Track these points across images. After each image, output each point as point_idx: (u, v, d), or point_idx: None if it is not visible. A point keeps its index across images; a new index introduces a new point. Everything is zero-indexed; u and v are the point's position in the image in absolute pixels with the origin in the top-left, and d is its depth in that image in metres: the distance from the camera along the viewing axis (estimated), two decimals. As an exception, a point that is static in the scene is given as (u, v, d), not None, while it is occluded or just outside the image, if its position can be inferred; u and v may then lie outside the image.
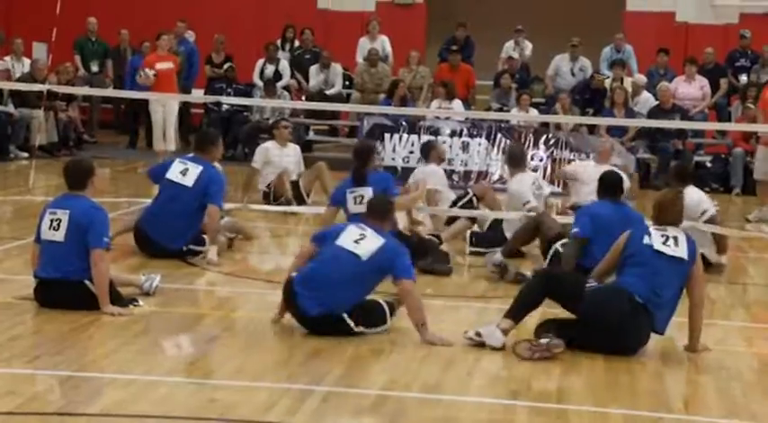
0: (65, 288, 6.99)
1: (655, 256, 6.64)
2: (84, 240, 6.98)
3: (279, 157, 12.32)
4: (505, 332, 6.62)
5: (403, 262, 6.79)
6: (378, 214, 7.08)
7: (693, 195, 9.64)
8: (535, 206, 9.62)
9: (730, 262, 9.72)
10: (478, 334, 6.64)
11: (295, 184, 12.09)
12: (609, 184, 8.52)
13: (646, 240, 6.71)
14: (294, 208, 11.54)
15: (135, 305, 7.19)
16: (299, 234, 10.67)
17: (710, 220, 9.56)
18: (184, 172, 8.94)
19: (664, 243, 6.67)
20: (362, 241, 6.82)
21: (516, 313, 6.71)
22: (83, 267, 6.99)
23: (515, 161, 10.13)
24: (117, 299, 7.13)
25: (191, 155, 9.29)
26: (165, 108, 15.60)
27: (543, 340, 6.47)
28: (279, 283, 8.18)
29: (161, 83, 15.63)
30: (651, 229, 6.81)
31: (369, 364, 6.19)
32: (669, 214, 6.85)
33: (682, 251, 6.68)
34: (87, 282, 7.00)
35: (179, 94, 15.93)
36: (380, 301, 6.94)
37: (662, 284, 6.61)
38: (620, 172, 9.56)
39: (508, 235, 9.66)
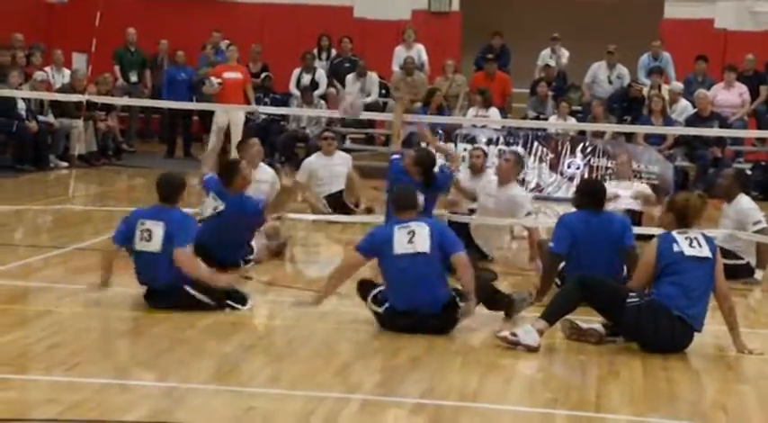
0: (167, 295, 7.34)
1: (687, 261, 6.78)
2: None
3: (325, 169, 11.96)
4: (540, 333, 6.66)
5: (450, 236, 7.16)
6: (408, 206, 7.28)
7: (748, 203, 9.58)
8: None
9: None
10: (514, 334, 6.67)
11: (338, 195, 11.86)
12: (586, 194, 8.24)
13: (675, 249, 6.81)
14: (334, 217, 11.39)
15: (242, 307, 7.45)
16: (337, 242, 10.67)
17: (761, 233, 9.47)
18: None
19: (690, 245, 6.82)
20: (415, 238, 7.03)
21: (551, 315, 6.81)
22: (180, 275, 7.30)
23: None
24: (225, 300, 7.41)
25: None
26: (231, 119, 15.61)
27: (584, 325, 6.82)
28: (316, 291, 8.20)
29: (227, 93, 15.71)
30: (674, 234, 6.88)
31: (406, 372, 6.18)
32: (695, 219, 7.00)
33: (706, 250, 6.85)
34: (187, 287, 7.30)
35: (217, 105, 16.01)
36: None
37: (696, 286, 6.76)
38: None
39: (479, 242, 9.67)
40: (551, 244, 8.05)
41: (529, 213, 9.74)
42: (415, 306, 7.00)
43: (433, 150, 10.16)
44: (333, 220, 11.43)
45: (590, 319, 7.00)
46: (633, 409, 5.65)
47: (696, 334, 6.80)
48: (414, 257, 7.01)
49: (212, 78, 15.73)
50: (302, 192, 11.85)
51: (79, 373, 5.85)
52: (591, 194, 8.16)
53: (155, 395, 5.56)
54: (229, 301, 7.46)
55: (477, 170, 10.89)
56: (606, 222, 8.07)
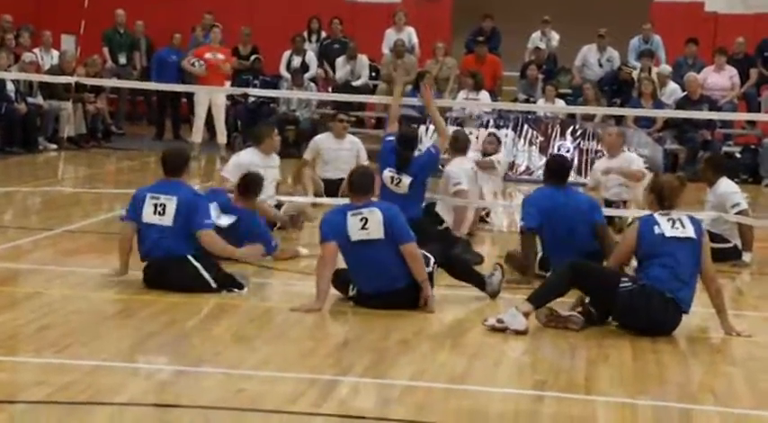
0: (172, 265, 7.41)
1: (669, 242, 6.78)
2: (190, 224, 7.44)
3: (331, 151, 11.76)
4: (526, 315, 6.69)
5: (399, 225, 7.10)
6: (362, 190, 7.23)
7: (727, 187, 9.61)
8: (464, 190, 9.68)
9: (756, 254, 9.64)
10: (500, 320, 6.69)
11: (340, 182, 11.39)
12: (553, 169, 8.37)
13: (656, 230, 6.81)
14: (325, 200, 11.01)
15: (239, 291, 7.50)
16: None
17: (741, 214, 9.49)
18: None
19: (672, 227, 6.82)
20: (368, 225, 7.04)
21: (538, 299, 6.81)
22: (188, 246, 7.46)
23: (458, 146, 10.12)
24: (225, 281, 7.48)
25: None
26: (212, 100, 15.81)
27: (564, 313, 6.74)
28: (306, 274, 8.22)
29: (209, 74, 15.85)
30: (656, 216, 6.89)
31: (395, 355, 6.19)
32: (674, 201, 6.99)
33: (690, 231, 6.84)
34: (191, 257, 7.42)
35: (205, 87, 16.03)
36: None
37: (682, 267, 6.75)
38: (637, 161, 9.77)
39: (446, 217, 9.73)
40: (521, 223, 8.27)
41: (458, 183, 9.70)
42: (378, 288, 7.08)
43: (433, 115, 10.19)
44: (319, 202, 11.17)
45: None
46: (622, 392, 5.67)
47: (684, 315, 6.82)
48: (369, 244, 7.04)
49: (196, 59, 15.84)
50: (305, 171, 11.69)
51: (69, 355, 5.84)
52: (555, 169, 8.35)
53: (144, 377, 5.57)
54: (229, 285, 7.51)
55: (487, 155, 11.50)
56: (573, 197, 8.24)
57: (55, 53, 17.63)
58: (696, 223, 6.94)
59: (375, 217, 7.07)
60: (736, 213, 9.45)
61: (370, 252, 7.05)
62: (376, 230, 7.05)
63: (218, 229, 7.87)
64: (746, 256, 9.46)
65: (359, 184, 7.25)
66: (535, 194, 8.45)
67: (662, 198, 6.97)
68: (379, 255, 7.05)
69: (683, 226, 6.84)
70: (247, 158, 9.96)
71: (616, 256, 7.09)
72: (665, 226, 6.81)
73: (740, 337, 6.80)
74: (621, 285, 6.71)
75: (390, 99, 11.07)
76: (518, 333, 6.60)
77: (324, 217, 7.42)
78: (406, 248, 7.07)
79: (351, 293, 7.26)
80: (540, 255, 8.23)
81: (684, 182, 7.21)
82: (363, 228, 7.05)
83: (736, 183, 10.49)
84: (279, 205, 10.28)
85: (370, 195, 7.27)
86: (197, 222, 7.48)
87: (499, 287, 7.60)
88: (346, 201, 7.43)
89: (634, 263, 7.08)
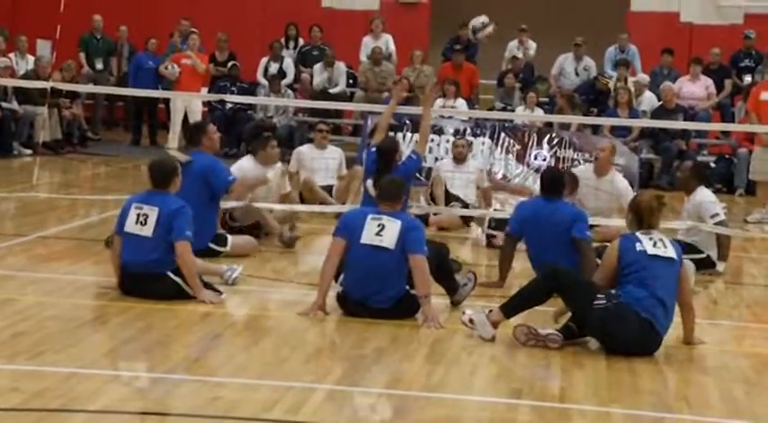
0: (150, 280, 7.32)
1: (651, 260, 6.67)
2: (170, 236, 7.34)
3: (314, 161, 11.77)
4: (495, 325, 6.70)
5: (415, 236, 7.07)
6: (389, 198, 7.26)
7: (705, 196, 9.64)
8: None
9: (730, 263, 9.70)
10: (471, 321, 6.75)
11: (329, 189, 11.61)
12: (544, 181, 8.44)
13: (638, 247, 6.72)
14: (302, 207, 10.97)
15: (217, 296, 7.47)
16: (305, 234, 10.62)
17: (720, 224, 9.54)
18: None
19: (654, 246, 6.73)
20: (384, 232, 7.03)
21: (510, 309, 6.79)
22: (168, 261, 7.35)
23: None
24: (205, 288, 7.44)
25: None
26: (188, 106, 15.81)
27: (543, 331, 6.63)
28: (283, 281, 8.23)
29: (184, 80, 15.86)
30: (638, 234, 6.81)
31: (371, 363, 6.20)
32: (654, 219, 6.90)
33: (671, 252, 6.75)
34: (170, 273, 7.33)
35: (182, 93, 16.02)
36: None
37: (661, 287, 6.63)
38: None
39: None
40: (507, 228, 8.55)
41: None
42: (364, 297, 7.07)
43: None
44: (305, 210, 11.15)
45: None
46: (597, 401, 5.69)
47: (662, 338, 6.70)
48: (376, 250, 7.04)
49: (172, 64, 15.87)
50: (296, 182, 11.60)
51: (43, 361, 5.81)
52: (546, 182, 8.40)
53: (120, 384, 5.54)
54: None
55: (459, 160, 11.63)
56: (556, 210, 8.21)
57: (30, 58, 17.54)
58: (677, 247, 6.84)
59: (394, 227, 7.06)
60: (715, 224, 9.48)
61: (373, 258, 7.03)
62: (389, 240, 7.03)
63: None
64: (720, 266, 9.50)
65: (385, 192, 7.32)
66: (523, 203, 8.79)
67: (641, 218, 6.89)
68: (380, 263, 7.02)
69: (665, 246, 6.75)
70: (246, 166, 9.99)
71: (599, 275, 6.93)
72: (647, 244, 6.73)
73: (702, 343, 6.83)
74: (596, 303, 6.56)
75: (384, 108, 11.08)
76: (484, 340, 6.64)
77: (345, 213, 7.61)
78: (415, 260, 7.00)
79: (337, 287, 7.24)
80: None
81: (663, 202, 7.05)
82: (378, 234, 7.05)
83: (712, 192, 10.52)
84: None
85: (397, 204, 7.24)
86: (176, 231, 7.38)
87: (464, 298, 7.66)
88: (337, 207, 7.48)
89: None
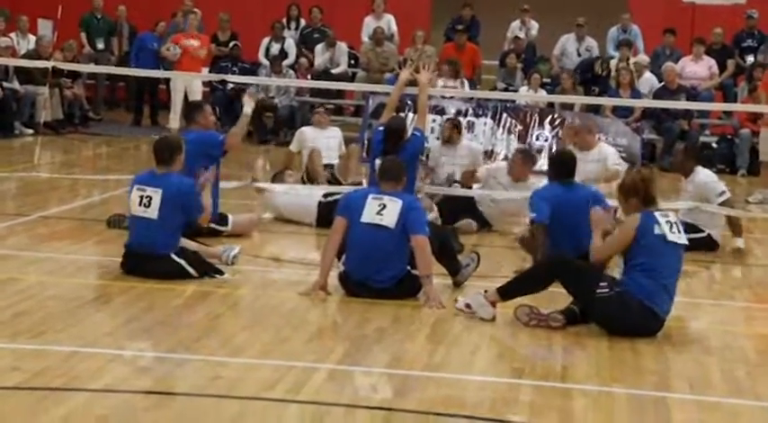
0: (153, 261, 7.34)
1: (666, 246, 6.54)
2: (176, 216, 7.41)
3: (315, 140, 11.78)
4: (493, 304, 6.68)
5: (416, 217, 7.06)
6: (390, 178, 7.25)
7: (707, 176, 9.63)
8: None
9: (733, 243, 9.69)
10: (468, 305, 6.72)
11: (331, 168, 11.63)
12: (558, 165, 8.31)
13: (657, 231, 6.53)
14: (303, 187, 10.94)
15: (220, 276, 7.50)
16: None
17: (726, 203, 9.54)
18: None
19: (671, 230, 6.57)
20: (384, 211, 7.03)
21: (507, 292, 6.73)
22: (172, 243, 7.41)
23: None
24: (207, 270, 7.48)
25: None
26: (188, 87, 15.74)
27: (545, 311, 6.60)
28: (284, 261, 8.23)
29: (184, 61, 15.80)
30: (657, 215, 6.60)
31: (372, 343, 6.20)
32: (654, 191, 6.68)
33: (683, 237, 6.65)
34: (173, 255, 7.38)
35: (183, 73, 15.97)
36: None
37: (669, 272, 6.56)
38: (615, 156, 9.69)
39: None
40: (533, 215, 8.11)
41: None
42: (365, 277, 7.07)
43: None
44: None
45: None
46: (599, 380, 5.69)
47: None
48: (377, 229, 7.03)
49: (173, 45, 15.81)
50: (297, 161, 11.72)
51: (44, 340, 5.81)
52: (560, 165, 8.26)
53: (121, 364, 5.54)
54: (210, 272, 7.52)
55: (448, 141, 11.25)
56: (577, 192, 8.11)
57: (32, 38, 17.49)
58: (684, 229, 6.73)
59: (394, 206, 7.05)
60: (722, 202, 9.47)
61: (372, 237, 7.03)
62: (389, 219, 7.02)
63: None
64: (739, 242, 9.48)
65: (386, 172, 7.32)
66: (540, 191, 8.30)
67: (646, 190, 6.63)
68: (380, 243, 7.02)
69: (680, 231, 6.63)
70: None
71: (608, 248, 6.73)
72: (665, 227, 6.55)
73: None
74: (599, 291, 6.48)
75: (388, 88, 11.07)
76: (484, 320, 6.63)
77: (347, 193, 7.58)
78: (416, 240, 7.00)
79: (339, 266, 7.24)
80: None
81: (653, 171, 6.94)
82: (379, 213, 7.05)
83: (714, 173, 10.52)
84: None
85: (398, 184, 7.23)
86: (190, 212, 7.50)
87: (466, 279, 7.63)
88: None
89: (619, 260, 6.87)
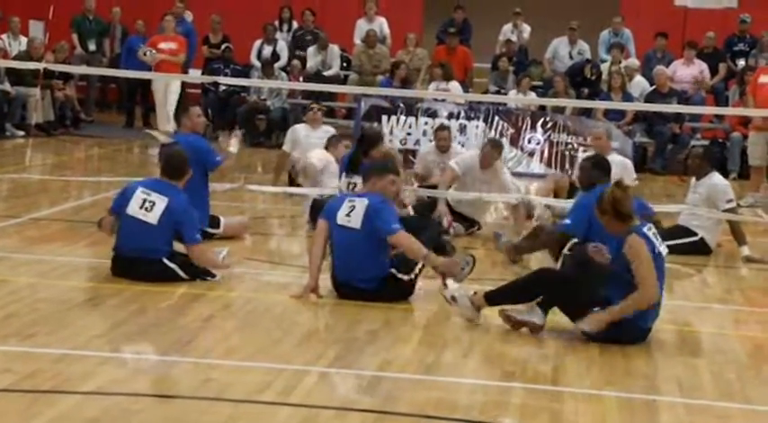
0: (144, 264, 7.33)
1: (659, 259, 6.44)
2: (175, 229, 7.40)
3: (307, 139, 11.84)
4: (478, 309, 6.68)
5: (382, 217, 7.02)
6: (365, 178, 7.36)
7: (721, 180, 9.67)
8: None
9: (725, 247, 9.71)
10: (453, 299, 6.73)
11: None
12: (598, 166, 8.20)
13: (655, 249, 6.39)
14: (295, 190, 11.00)
15: (212, 279, 7.51)
16: (299, 214, 10.62)
17: (731, 211, 9.56)
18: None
19: (660, 244, 6.49)
20: (352, 213, 7.08)
21: (493, 298, 6.68)
22: (165, 249, 7.42)
23: None
24: (198, 273, 7.47)
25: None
26: (167, 88, 15.65)
27: (521, 317, 6.52)
28: (275, 263, 8.23)
29: (161, 63, 15.71)
30: (646, 231, 6.42)
31: (364, 346, 6.19)
32: (628, 209, 6.40)
33: (664, 245, 6.56)
34: (165, 260, 7.37)
35: (176, 75, 15.91)
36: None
37: (659, 285, 6.42)
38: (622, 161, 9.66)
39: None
40: (567, 221, 7.97)
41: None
42: (348, 277, 7.11)
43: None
44: (292, 192, 11.18)
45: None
46: (589, 383, 5.70)
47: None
48: (348, 231, 7.07)
49: (149, 49, 15.72)
50: (289, 161, 11.67)
51: (35, 343, 5.80)
52: (600, 166, 8.20)
53: (111, 366, 5.53)
54: (201, 275, 7.51)
55: (443, 150, 11.16)
56: None
57: (23, 39, 17.47)
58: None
59: (361, 206, 7.08)
60: (727, 209, 9.48)
61: (346, 238, 7.07)
62: (356, 220, 7.05)
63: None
64: (747, 250, 9.40)
65: (363, 173, 7.42)
66: (588, 199, 7.50)
67: (620, 213, 6.36)
68: (353, 245, 7.04)
69: (662, 241, 6.54)
70: None
71: (648, 280, 6.25)
72: (656, 242, 6.44)
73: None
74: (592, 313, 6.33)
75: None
76: (470, 321, 6.64)
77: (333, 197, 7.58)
78: (391, 240, 7.03)
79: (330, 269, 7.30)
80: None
81: (626, 187, 6.54)
82: (348, 214, 7.08)
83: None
84: None
85: (376, 183, 7.21)
86: (188, 236, 7.45)
87: (462, 281, 7.57)
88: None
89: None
